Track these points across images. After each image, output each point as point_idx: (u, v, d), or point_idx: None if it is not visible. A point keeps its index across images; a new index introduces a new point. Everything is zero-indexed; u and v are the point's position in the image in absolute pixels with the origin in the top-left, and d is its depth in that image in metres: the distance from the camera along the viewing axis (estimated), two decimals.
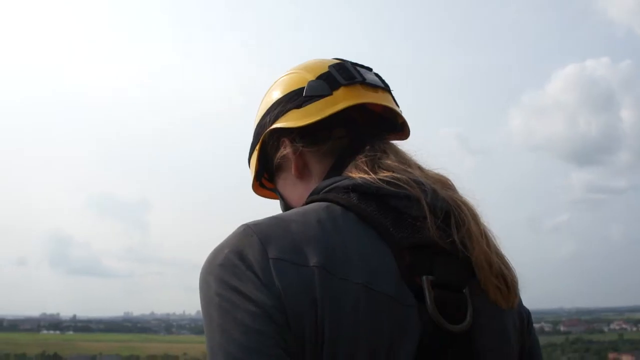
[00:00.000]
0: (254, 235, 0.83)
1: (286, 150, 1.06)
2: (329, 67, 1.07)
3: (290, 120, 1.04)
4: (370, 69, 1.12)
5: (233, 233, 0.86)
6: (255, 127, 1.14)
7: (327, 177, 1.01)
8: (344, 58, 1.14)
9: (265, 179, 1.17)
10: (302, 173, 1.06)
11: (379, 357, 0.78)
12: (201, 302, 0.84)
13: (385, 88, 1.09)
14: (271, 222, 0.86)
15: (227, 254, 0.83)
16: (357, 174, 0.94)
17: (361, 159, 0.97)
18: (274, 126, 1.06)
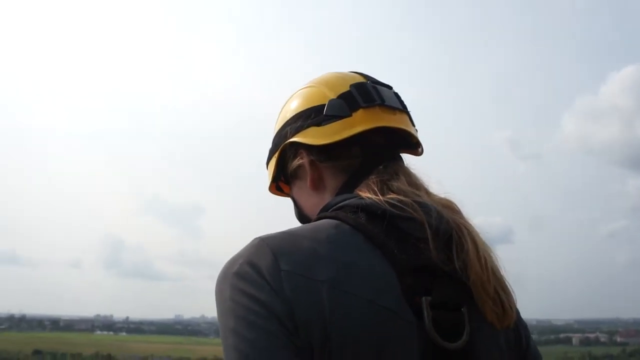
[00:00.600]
0: (267, 248, 0.89)
1: (303, 162, 1.11)
2: (350, 86, 1.10)
3: (309, 137, 1.08)
4: (390, 87, 1.15)
5: (248, 245, 0.92)
6: (275, 133, 1.19)
7: (339, 192, 1.06)
8: (364, 72, 1.17)
9: (283, 182, 1.23)
10: (317, 185, 1.11)
11: None
12: (217, 309, 0.89)
13: (403, 109, 1.13)
14: (284, 237, 0.91)
15: (241, 264, 0.88)
16: (366, 193, 0.99)
17: (372, 180, 1.02)
18: (294, 139, 1.10)
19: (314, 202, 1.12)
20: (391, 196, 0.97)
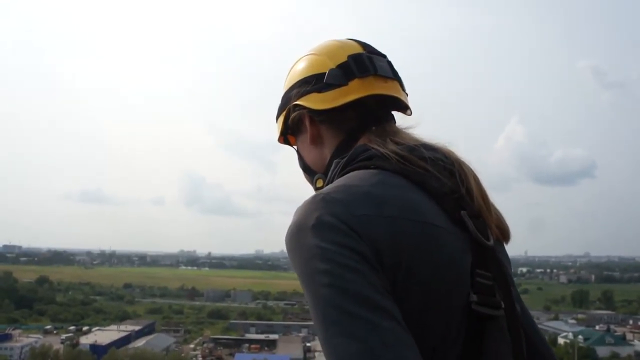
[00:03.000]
0: (335, 200, 1.01)
1: (305, 121, 1.30)
2: (348, 57, 1.26)
3: (310, 102, 1.26)
4: (384, 56, 1.32)
5: (313, 201, 1.03)
6: (283, 92, 1.37)
7: (337, 148, 1.26)
8: (362, 40, 1.33)
9: (290, 134, 1.40)
10: (316, 142, 1.30)
11: (451, 270, 1.02)
12: (297, 262, 1.00)
13: (395, 77, 1.29)
14: (340, 189, 1.05)
15: (317, 217, 0.99)
16: (374, 146, 1.17)
17: (371, 137, 1.21)
18: (297, 102, 1.28)
19: (314, 156, 1.31)
20: (398, 145, 1.17)
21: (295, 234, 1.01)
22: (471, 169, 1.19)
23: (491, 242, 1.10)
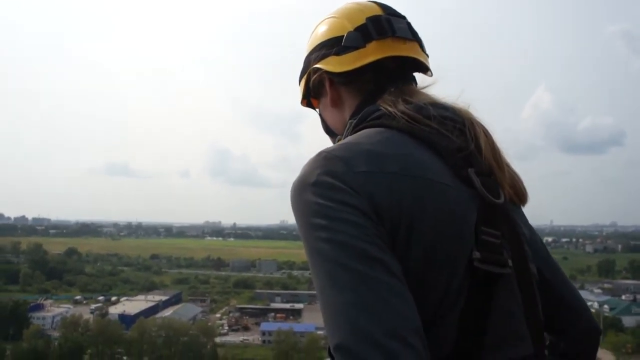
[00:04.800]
0: (336, 157, 1.04)
1: (325, 84, 1.33)
2: (366, 19, 1.27)
3: (329, 65, 1.28)
4: (404, 18, 1.31)
5: (316, 159, 1.07)
6: (305, 57, 1.39)
7: (357, 109, 1.26)
8: (381, 2, 1.33)
9: (313, 97, 1.43)
10: (337, 104, 1.32)
11: (453, 226, 1.03)
12: (299, 217, 1.03)
13: (414, 38, 1.29)
14: (344, 146, 1.08)
15: (318, 174, 1.02)
16: (386, 106, 1.19)
17: (385, 97, 1.21)
18: (317, 65, 1.31)
19: (335, 117, 1.34)
20: (407, 105, 1.17)
21: (297, 190, 1.05)
22: (484, 127, 1.19)
23: (501, 200, 1.10)
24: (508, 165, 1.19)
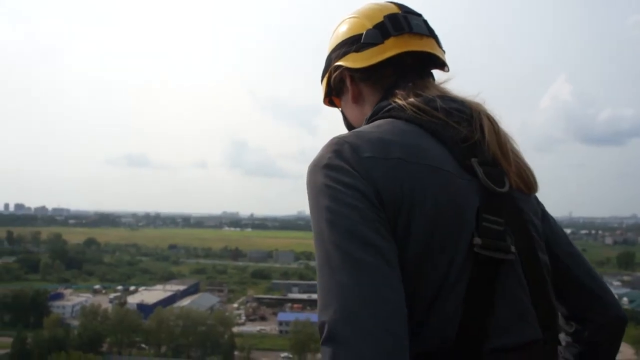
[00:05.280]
0: (346, 143, 1.09)
1: (346, 80, 1.38)
2: (384, 17, 1.32)
3: (349, 61, 1.33)
4: (420, 15, 1.37)
5: (329, 144, 1.12)
6: (327, 56, 1.44)
7: (377, 105, 1.30)
8: (399, 3, 1.38)
9: (335, 96, 1.48)
10: (358, 100, 1.37)
11: (454, 213, 1.06)
12: (310, 197, 1.09)
13: (430, 34, 1.34)
14: (355, 134, 1.13)
15: (329, 158, 1.08)
16: (398, 99, 1.23)
17: (402, 93, 1.25)
18: (338, 63, 1.37)
19: (356, 114, 1.39)
20: (417, 98, 1.22)
21: (311, 172, 1.11)
22: (492, 117, 1.21)
23: (505, 189, 1.13)
24: (515, 155, 1.21)
